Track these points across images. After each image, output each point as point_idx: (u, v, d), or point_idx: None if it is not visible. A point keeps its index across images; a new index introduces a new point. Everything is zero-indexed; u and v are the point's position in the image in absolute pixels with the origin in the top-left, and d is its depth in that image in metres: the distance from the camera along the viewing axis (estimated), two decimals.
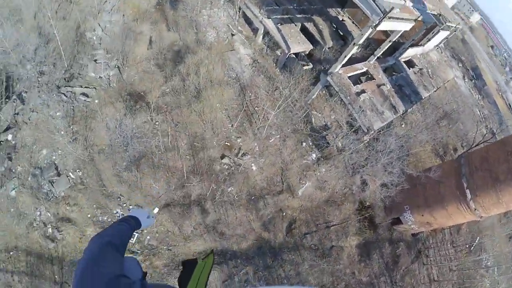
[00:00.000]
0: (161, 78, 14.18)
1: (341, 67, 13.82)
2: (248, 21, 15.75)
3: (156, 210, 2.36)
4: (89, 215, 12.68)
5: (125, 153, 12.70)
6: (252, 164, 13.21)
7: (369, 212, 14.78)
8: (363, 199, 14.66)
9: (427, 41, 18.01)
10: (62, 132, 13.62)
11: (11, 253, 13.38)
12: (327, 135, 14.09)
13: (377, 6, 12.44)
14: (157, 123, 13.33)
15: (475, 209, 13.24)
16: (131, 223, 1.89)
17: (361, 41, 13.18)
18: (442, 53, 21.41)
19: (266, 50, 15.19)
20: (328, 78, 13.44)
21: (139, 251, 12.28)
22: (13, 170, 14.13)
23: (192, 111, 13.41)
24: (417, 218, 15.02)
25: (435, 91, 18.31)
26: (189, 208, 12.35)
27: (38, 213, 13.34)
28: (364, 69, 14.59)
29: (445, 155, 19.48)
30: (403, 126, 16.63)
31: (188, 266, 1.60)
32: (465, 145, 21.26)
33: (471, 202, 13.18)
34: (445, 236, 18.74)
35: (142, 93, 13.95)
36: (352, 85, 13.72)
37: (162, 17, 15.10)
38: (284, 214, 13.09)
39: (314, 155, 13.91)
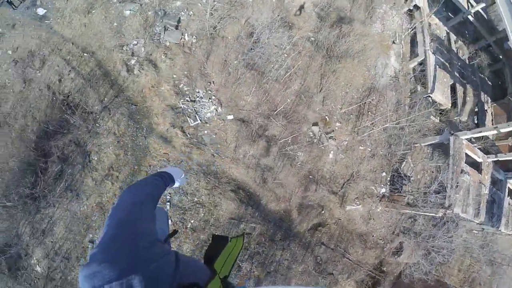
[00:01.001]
0: (314, 25, 14.23)
1: (467, 138, 13.43)
2: (413, 42, 15.63)
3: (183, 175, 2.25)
4: (175, 75, 12.77)
5: (244, 54, 12.75)
6: (332, 152, 12.91)
7: (380, 276, 14.05)
8: (386, 261, 13.96)
9: None
10: (205, 1, 13.82)
11: (85, 54, 13.66)
12: (406, 185, 13.58)
13: None
14: (285, 54, 13.32)
15: None
16: (166, 181, 1.81)
17: (502, 131, 12.86)
18: None
19: (411, 77, 14.97)
20: (451, 138, 13.05)
21: (189, 135, 12.17)
22: None
23: (320, 69, 13.33)
24: None
25: (508, 235, 17.40)
26: (257, 139, 12.17)
27: (135, 42, 13.57)
28: (480, 160, 14.05)
29: None
30: (463, 235, 15.84)
31: (217, 242, 1.57)
32: None
33: None
34: None
35: (291, 24, 14.03)
36: (464, 160, 13.24)
37: None
38: (322, 212, 12.66)
39: (383, 190, 13.45)
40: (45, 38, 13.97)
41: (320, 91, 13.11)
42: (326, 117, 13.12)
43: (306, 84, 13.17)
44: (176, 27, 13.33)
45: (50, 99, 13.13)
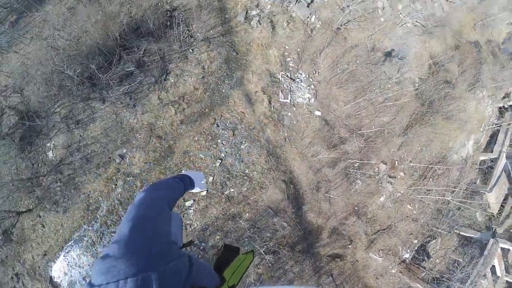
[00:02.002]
0: (423, 74, 14.43)
1: (502, 248, 13.86)
2: (493, 138, 16.06)
3: (204, 180, 2.26)
4: (287, 47, 12.87)
5: (358, 63, 12.74)
6: (383, 196, 12.97)
7: None
8: None
9: None
10: None
11: None
12: (425, 261, 13.80)
13: None
14: (389, 85, 13.41)
15: None
16: (186, 185, 1.86)
17: None
18: None
19: (476, 168, 15.36)
20: (491, 240, 13.42)
21: (273, 108, 11.92)
22: None
23: (410, 115, 13.50)
24: None
25: None
26: (332, 147, 12.05)
27: None
28: (499, 274, 14.48)
29: None
30: None
31: (228, 252, 1.63)
32: None
33: None
34: None
35: (406, 59, 14.17)
36: (490, 266, 13.63)
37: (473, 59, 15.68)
38: (348, 246, 12.59)
39: (407, 255, 13.56)
40: None
41: (403, 135, 13.21)
42: (396, 161, 13.21)
43: (394, 122, 13.25)
44: (308, 5, 13.19)
45: (155, 2, 12.63)
